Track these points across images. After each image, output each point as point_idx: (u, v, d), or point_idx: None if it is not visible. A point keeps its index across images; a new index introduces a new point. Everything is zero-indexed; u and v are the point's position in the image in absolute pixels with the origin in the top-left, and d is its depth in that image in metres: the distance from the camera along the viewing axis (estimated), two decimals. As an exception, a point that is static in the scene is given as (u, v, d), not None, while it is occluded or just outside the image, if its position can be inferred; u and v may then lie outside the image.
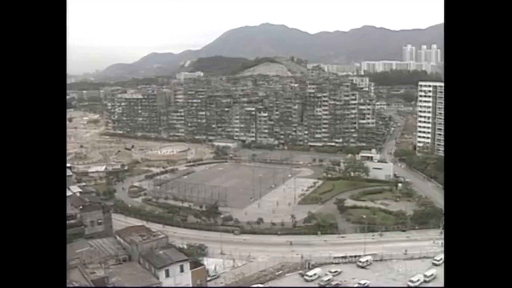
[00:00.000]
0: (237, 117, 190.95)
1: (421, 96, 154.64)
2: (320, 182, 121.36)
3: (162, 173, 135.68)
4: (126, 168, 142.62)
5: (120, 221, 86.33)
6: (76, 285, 43.42)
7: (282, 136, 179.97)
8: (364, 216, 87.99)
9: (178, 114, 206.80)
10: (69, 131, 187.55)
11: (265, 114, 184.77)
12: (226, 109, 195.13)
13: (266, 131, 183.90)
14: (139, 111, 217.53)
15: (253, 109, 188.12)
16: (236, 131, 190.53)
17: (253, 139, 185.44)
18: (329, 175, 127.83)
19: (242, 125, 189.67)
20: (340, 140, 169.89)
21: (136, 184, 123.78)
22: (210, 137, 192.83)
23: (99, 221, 69.41)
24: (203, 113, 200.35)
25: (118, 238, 61.27)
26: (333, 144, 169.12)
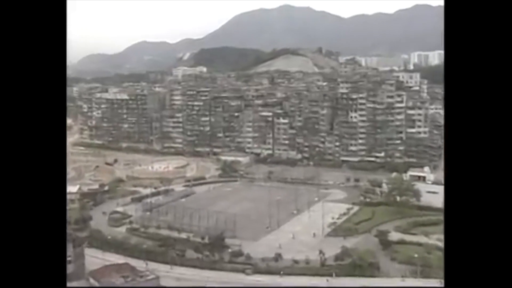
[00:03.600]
0: (250, 124, 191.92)
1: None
2: (356, 208, 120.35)
3: (153, 194, 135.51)
4: (106, 188, 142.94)
5: (95, 258, 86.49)
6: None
7: (306, 149, 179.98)
8: (416, 255, 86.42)
9: (175, 120, 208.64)
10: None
11: (285, 121, 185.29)
12: (236, 114, 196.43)
13: (286, 142, 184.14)
14: (125, 116, 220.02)
15: (269, 114, 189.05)
16: (248, 142, 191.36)
17: (270, 152, 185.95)
18: (368, 199, 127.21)
19: (256, 135, 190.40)
20: (382, 155, 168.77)
21: (119, 209, 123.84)
22: (215, 150, 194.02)
23: (68, 258, 69.41)
24: (207, 118, 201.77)
25: (91, 280, 61.10)
26: (372, 159, 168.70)
